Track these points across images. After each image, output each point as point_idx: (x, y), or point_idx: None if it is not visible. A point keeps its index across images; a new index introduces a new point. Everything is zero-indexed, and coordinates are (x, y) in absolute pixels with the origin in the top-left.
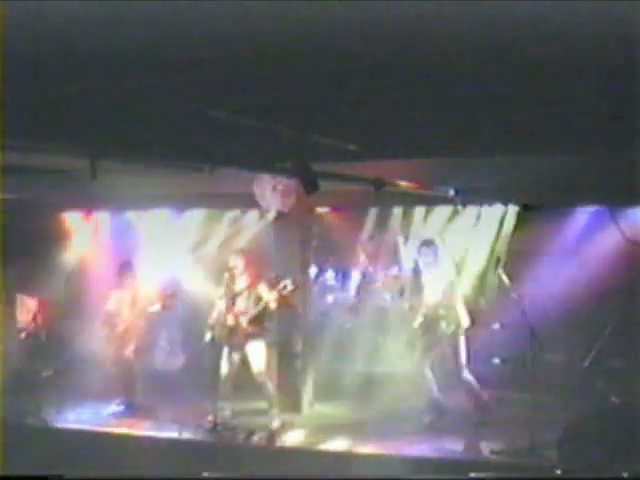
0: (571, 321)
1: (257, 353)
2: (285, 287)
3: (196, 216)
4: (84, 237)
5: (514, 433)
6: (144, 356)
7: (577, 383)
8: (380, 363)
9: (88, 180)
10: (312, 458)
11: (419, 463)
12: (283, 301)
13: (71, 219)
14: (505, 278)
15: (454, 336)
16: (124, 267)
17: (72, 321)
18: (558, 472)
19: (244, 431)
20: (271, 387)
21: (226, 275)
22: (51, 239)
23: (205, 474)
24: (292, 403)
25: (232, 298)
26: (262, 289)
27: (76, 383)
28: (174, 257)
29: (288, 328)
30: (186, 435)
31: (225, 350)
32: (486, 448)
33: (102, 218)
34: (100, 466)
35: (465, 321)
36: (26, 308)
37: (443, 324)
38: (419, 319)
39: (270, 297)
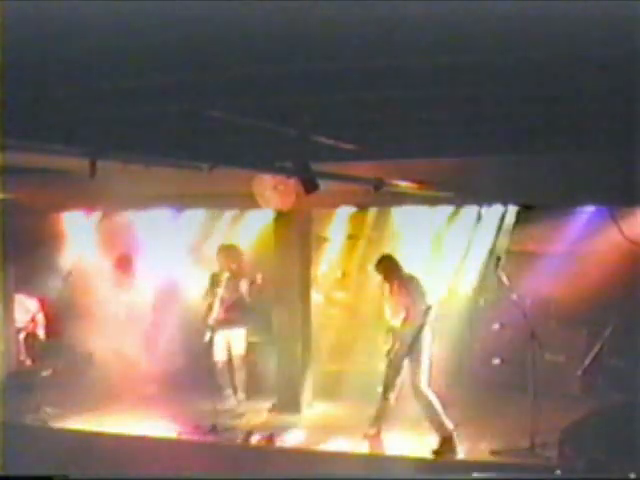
0: (571, 321)
1: (234, 339)
2: (254, 280)
3: (195, 216)
4: (84, 237)
5: (514, 433)
6: (144, 355)
7: (577, 383)
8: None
9: (88, 180)
10: (312, 458)
11: (419, 463)
12: (254, 293)
13: (71, 219)
14: (505, 278)
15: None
16: (125, 263)
17: (72, 321)
18: (558, 472)
19: (244, 431)
20: (243, 374)
21: (216, 271)
22: (51, 239)
23: (205, 474)
24: (291, 403)
25: (219, 290)
26: (242, 282)
27: (76, 383)
28: (174, 257)
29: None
30: (186, 435)
31: (215, 340)
32: (486, 448)
33: (102, 218)
34: (100, 466)
35: (427, 338)
36: (25, 308)
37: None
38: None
39: (244, 288)
